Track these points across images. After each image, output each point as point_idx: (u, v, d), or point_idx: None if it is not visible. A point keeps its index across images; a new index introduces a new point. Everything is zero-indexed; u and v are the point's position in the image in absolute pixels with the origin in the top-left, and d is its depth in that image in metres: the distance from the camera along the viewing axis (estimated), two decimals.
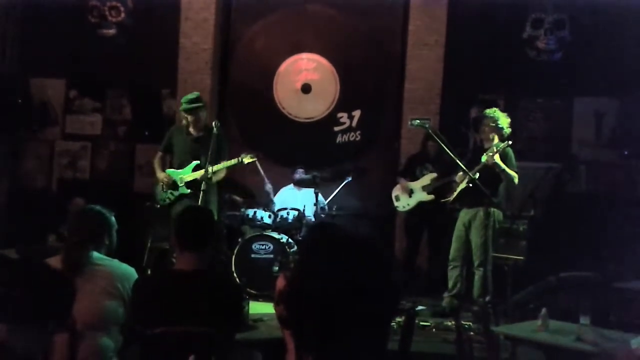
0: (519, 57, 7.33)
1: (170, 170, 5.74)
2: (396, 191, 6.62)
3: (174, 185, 5.65)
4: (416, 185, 6.49)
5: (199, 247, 2.92)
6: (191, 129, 5.72)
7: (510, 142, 5.45)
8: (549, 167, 6.80)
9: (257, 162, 6.28)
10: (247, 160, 5.56)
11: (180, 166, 5.71)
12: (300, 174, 7.07)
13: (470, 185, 5.34)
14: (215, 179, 5.52)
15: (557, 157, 7.19)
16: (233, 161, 5.54)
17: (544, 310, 3.85)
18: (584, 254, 5.78)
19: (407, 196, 6.51)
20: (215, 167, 5.47)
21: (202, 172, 5.44)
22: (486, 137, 5.62)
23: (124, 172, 8.06)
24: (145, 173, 7.74)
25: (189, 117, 5.65)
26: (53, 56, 8.05)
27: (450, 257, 5.81)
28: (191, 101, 5.65)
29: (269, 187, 6.97)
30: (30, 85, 8.11)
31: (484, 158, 5.43)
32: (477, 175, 5.32)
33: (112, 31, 8.09)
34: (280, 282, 2.23)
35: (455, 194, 5.69)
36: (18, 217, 7.84)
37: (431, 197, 6.33)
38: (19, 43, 8.21)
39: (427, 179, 6.44)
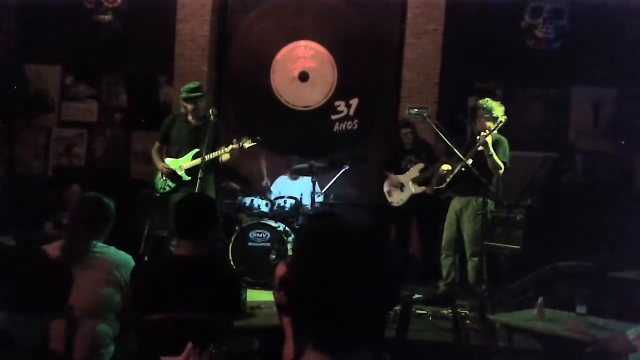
0: (518, 46, 7.31)
1: (168, 160, 5.73)
2: (386, 186, 6.60)
3: (173, 174, 5.65)
4: (405, 178, 6.47)
5: (198, 235, 2.91)
6: (190, 118, 5.71)
7: (502, 122, 5.42)
8: (546, 157, 6.80)
9: (263, 161, 6.36)
10: (247, 144, 5.55)
11: (179, 154, 5.69)
12: (294, 164, 7.02)
13: (463, 169, 5.33)
14: (222, 159, 5.54)
15: (555, 147, 7.20)
16: (234, 146, 5.52)
17: (540, 299, 3.86)
18: (581, 243, 5.79)
19: (399, 190, 6.49)
20: (214, 154, 5.47)
21: (200, 159, 5.43)
22: (482, 127, 5.61)
23: (120, 159, 8.04)
24: (142, 160, 7.72)
25: (189, 106, 5.65)
26: (49, 42, 8.01)
27: (443, 245, 5.82)
28: (191, 90, 5.68)
29: (266, 183, 6.99)
30: (26, 72, 8.06)
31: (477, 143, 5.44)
32: (471, 161, 5.32)
33: (108, 17, 8.04)
34: (281, 269, 2.23)
35: (449, 180, 5.69)
36: (14, 204, 7.82)
37: (422, 188, 6.31)
38: (15, 29, 8.16)
39: (415, 170, 6.44)
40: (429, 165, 6.36)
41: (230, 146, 5.51)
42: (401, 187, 6.48)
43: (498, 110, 5.55)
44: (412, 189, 6.39)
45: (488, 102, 5.63)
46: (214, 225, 3.09)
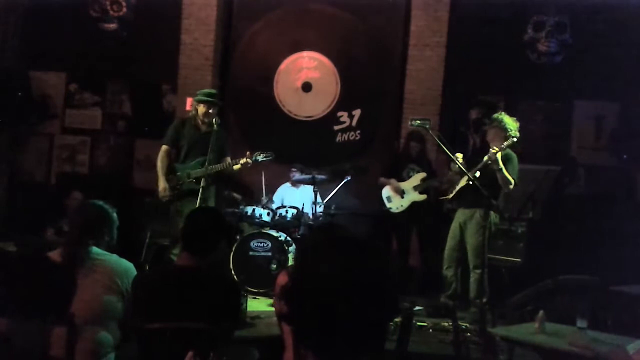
0: (520, 60, 7.33)
1: (176, 165, 5.72)
2: (387, 192, 6.60)
3: (174, 191, 5.64)
4: (407, 185, 6.50)
5: (204, 250, 2.92)
6: (199, 123, 5.71)
7: (514, 139, 5.41)
8: (548, 170, 6.80)
9: (263, 178, 6.71)
10: (260, 158, 5.68)
11: (186, 160, 5.70)
12: (296, 173, 7.04)
13: (470, 183, 5.32)
14: (234, 169, 5.66)
15: (557, 160, 7.20)
16: (248, 159, 5.61)
17: (541, 313, 3.85)
18: (582, 256, 5.78)
19: (399, 197, 6.51)
20: (223, 165, 5.56)
21: (206, 168, 5.44)
22: (492, 140, 5.58)
23: (123, 167, 8.06)
24: (145, 168, 7.74)
25: (201, 108, 5.66)
26: (54, 50, 8.05)
27: (445, 257, 5.81)
28: (209, 94, 5.80)
29: (265, 199, 6.95)
30: (30, 79, 8.09)
31: (485, 158, 5.40)
32: (478, 174, 5.31)
33: (113, 25, 8.09)
34: (282, 278, 2.23)
35: (454, 192, 5.68)
36: (17, 211, 7.84)
37: (424, 196, 6.37)
38: (19, 36, 8.21)
39: (417, 178, 6.47)
40: (432, 176, 6.41)
41: (245, 159, 5.58)
42: (402, 193, 6.50)
43: (511, 124, 5.53)
44: (413, 196, 6.42)
45: (502, 115, 5.61)
46: (221, 243, 3.08)
